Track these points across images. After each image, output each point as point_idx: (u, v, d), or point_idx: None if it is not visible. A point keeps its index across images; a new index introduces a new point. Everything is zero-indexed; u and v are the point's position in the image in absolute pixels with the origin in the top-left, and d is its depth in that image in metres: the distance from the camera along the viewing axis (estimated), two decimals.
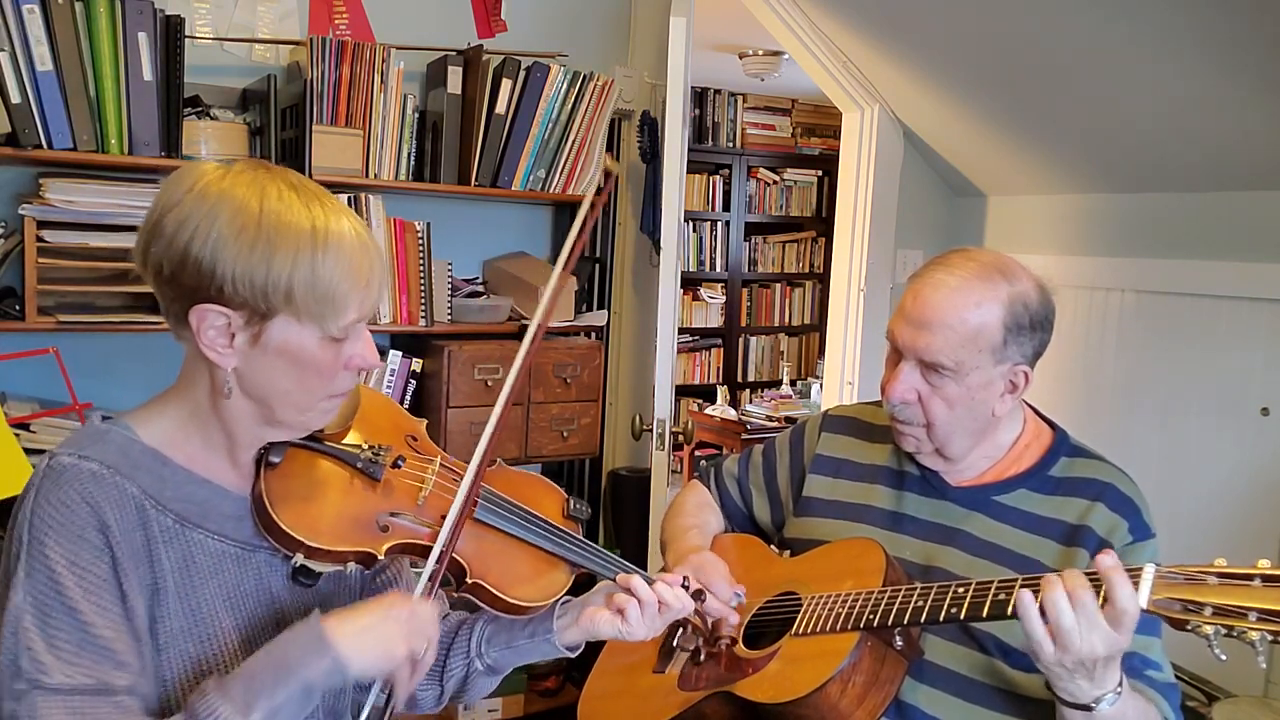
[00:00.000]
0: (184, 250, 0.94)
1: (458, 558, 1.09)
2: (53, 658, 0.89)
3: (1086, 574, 1.05)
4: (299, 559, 1.02)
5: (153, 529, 0.97)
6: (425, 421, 1.20)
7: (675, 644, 1.34)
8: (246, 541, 1.04)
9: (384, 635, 0.97)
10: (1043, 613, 1.04)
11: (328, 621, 0.95)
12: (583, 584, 1.20)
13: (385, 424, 1.15)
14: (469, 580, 1.09)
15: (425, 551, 1.06)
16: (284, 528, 1.00)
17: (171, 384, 1.06)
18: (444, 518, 1.07)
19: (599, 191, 1.16)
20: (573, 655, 1.20)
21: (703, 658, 1.34)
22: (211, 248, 0.93)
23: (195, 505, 1.01)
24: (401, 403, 2.70)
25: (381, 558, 1.04)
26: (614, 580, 1.19)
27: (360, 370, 1.04)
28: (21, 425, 2.15)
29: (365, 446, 1.09)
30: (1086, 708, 1.06)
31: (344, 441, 1.10)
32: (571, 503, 1.23)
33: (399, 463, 1.10)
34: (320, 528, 1.02)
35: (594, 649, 1.50)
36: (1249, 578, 0.96)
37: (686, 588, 1.21)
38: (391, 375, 2.68)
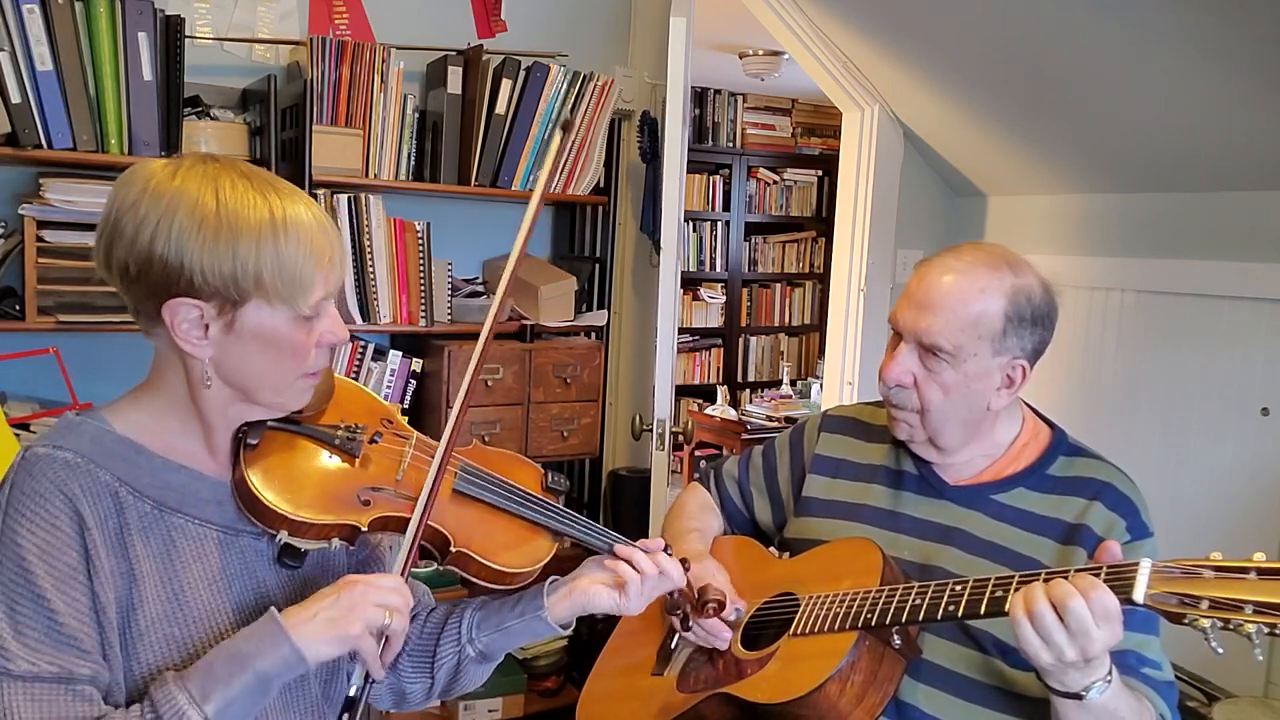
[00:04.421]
0: (148, 250, 0.95)
1: (440, 528, 1.10)
2: (18, 645, 0.90)
3: (1079, 570, 1.06)
4: (283, 536, 1.03)
5: (130, 516, 0.99)
6: (400, 407, 1.21)
7: (664, 609, 1.34)
8: (229, 525, 1.05)
9: (335, 616, 0.97)
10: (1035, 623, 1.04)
11: (285, 612, 0.97)
12: (565, 570, 1.21)
13: (359, 407, 1.17)
14: (453, 550, 1.10)
15: (406, 525, 1.07)
16: (267, 503, 1.01)
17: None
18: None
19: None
20: (565, 633, 1.19)
21: (690, 624, 1.33)
22: (175, 244, 0.95)
23: (173, 491, 1.02)
24: (401, 402, 2.70)
25: (365, 530, 1.06)
26: (599, 550, 1.19)
27: (331, 346, 1.06)
28: (21, 425, 2.15)
29: (341, 425, 1.11)
30: (1077, 696, 1.07)
31: (320, 423, 1.11)
32: (550, 476, 1.24)
33: (376, 439, 1.12)
34: (302, 502, 1.03)
35: (592, 649, 1.50)
36: (1245, 570, 0.97)
37: (668, 552, 1.21)
38: (392, 375, 2.68)
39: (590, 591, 1.17)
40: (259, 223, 0.96)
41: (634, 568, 1.16)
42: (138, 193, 0.97)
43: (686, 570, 1.26)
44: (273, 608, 0.98)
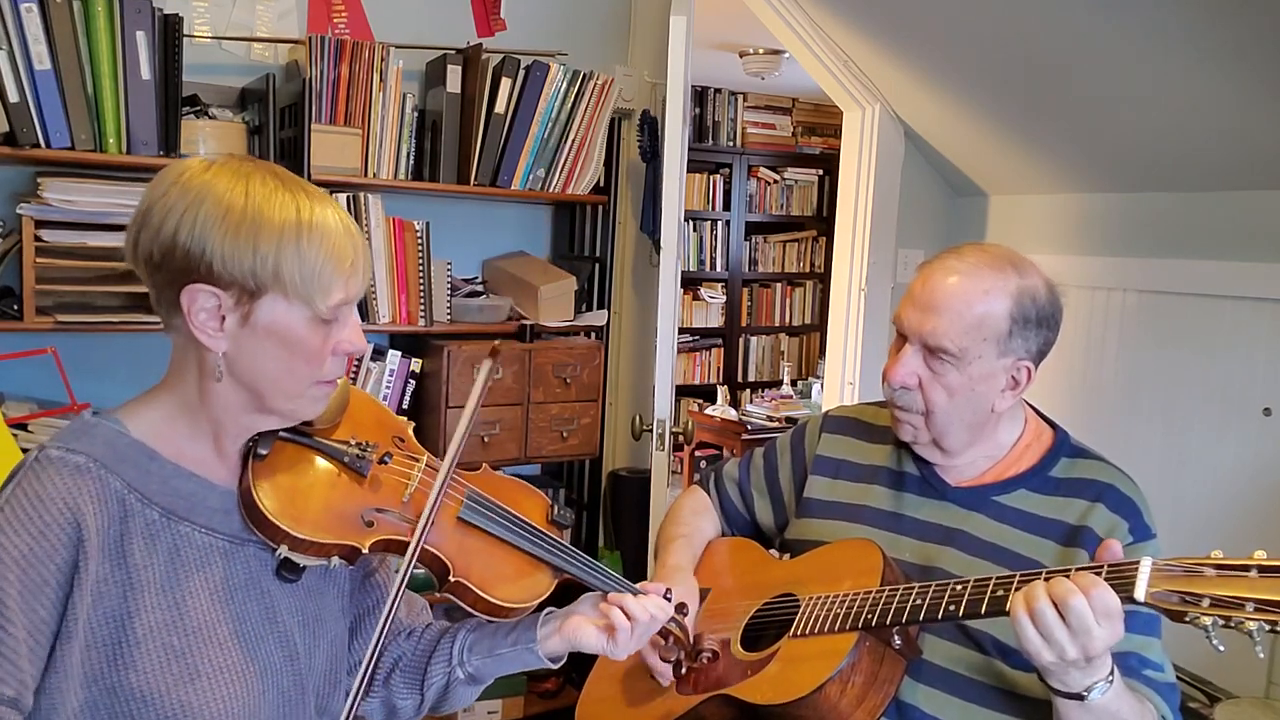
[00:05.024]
0: (172, 238, 0.96)
1: (441, 555, 1.09)
2: None
3: (1080, 569, 1.05)
4: (283, 550, 1.02)
5: (135, 523, 0.98)
6: (413, 424, 1.21)
7: (658, 655, 1.33)
8: (235, 535, 1.04)
9: None
10: (1036, 621, 1.04)
11: None
12: (563, 598, 1.20)
13: (372, 423, 1.16)
14: (451, 578, 1.09)
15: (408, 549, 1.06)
16: (269, 517, 1.01)
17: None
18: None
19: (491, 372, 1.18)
20: (554, 666, 1.19)
21: (683, 671, 1.33)
22: (199, 234, 0.95)
23: (182, 499, 1.01)
24: (401, 402, 2.70)
25: (365, 552, 1.05)
26: (598, 588, 1.19)
27: (348, 355, 1.05)
28: (20, 425, 2.15)
29: (352, 442, 1.10)
30: (1079, 696, 1.07)
31: (332, 437, 1.10)
32: (555, 509, 1.23)
33: (385, 459, 1.11)
34: (305, 518, 1.02)
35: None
36: (1246, 568, 0.97)
37: (668, 599, 1.21)
38: (391, 375, 2.68)
39: (581, 631, 1.17)
40: (284, 221, 0.97)
41: (626, 614, 1.15)
42: (169, 184, 0.98)
43: (684, 614, 1.26)
44: None
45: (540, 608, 1.17)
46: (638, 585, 1.20)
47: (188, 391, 1.03)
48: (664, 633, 1.26)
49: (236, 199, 0.96)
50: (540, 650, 1.17)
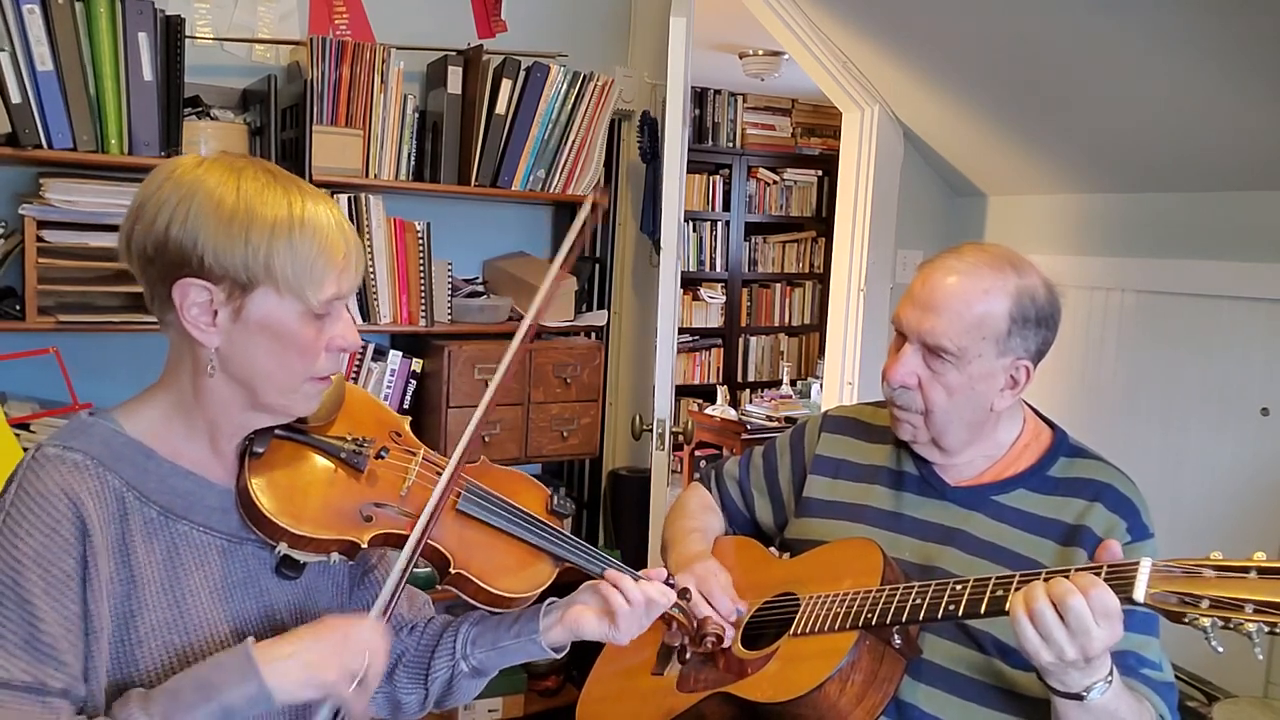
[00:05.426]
0: (164, 232, 0.96)
1: (441, 548, 1.10)
2: None
3: (1079, 569, 1.06)
4: (282, 548, 1.02)
5: (134, 521, 0.98)
6: (409, 419, 1.21)
7: (662, 640, 1.34)
8: (233, 534, 1.05)
9: (311, 660, 0.96)
10: (1035, 621, 1.04)
11: (259, 646, 0.95)
12: (566, 587, 1.20)
13: (369, 419, 1.16)
14: (452, 571, 1.10)
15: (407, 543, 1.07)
16: (267, 515, 1.01)
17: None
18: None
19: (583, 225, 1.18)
20: (558, 656, 1.20)
21: (688, 656, 1.34)
22: (191, 227, 0.96)
23: (180, 497, 1.02)
24: (401, 402, 2.70)
25: (364, 547, 1.05)
26: (600, 576, 1.19)
27: (342, 351, 1.05)
28: (21, 425, 2.15)
29: (349, 438, 1.10)
30: (1078, 697, 1.07)
31: (328, 434, 1.10)
32: (555, 499, 1.23)
33: (382, 454, 1.11)
34: (304, 515, 1.03)
35: (591, 649, 1.50)
36: (1245, 570, 0.97)
37: (671, 585, 1.21)
38: (391, 375, 2.68)
39: (582, 619, 1.17)
40: (275, 216, 0.97)
41: (624, 596, 1.16)
42: (161, 180, 0.99)
43: (687, 600, 1.26)
44: (250, 638, 0.96)
45: (542, 597, 1.18)
46: (639, 573, 1.20)
47: (183, 389, 1.03)
48: (667, 619, 1.27)
49: (228, 194, 0.96)
50: (543, 640, 1.17)
